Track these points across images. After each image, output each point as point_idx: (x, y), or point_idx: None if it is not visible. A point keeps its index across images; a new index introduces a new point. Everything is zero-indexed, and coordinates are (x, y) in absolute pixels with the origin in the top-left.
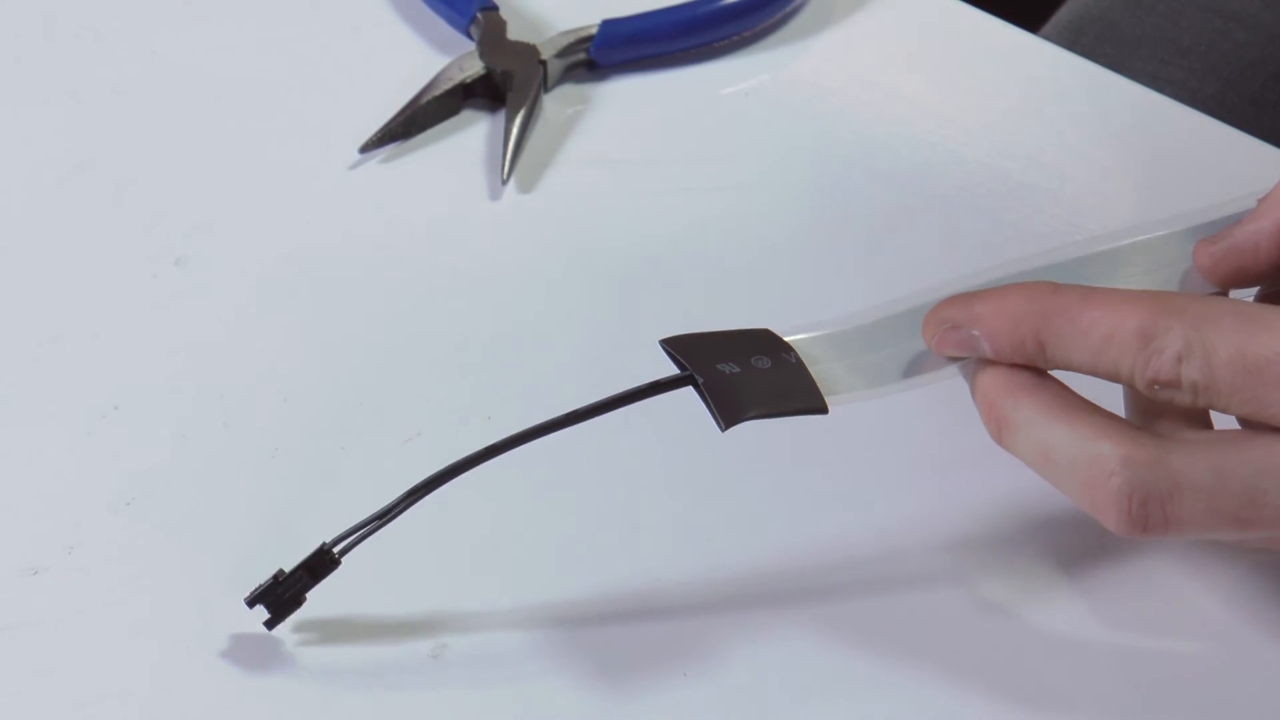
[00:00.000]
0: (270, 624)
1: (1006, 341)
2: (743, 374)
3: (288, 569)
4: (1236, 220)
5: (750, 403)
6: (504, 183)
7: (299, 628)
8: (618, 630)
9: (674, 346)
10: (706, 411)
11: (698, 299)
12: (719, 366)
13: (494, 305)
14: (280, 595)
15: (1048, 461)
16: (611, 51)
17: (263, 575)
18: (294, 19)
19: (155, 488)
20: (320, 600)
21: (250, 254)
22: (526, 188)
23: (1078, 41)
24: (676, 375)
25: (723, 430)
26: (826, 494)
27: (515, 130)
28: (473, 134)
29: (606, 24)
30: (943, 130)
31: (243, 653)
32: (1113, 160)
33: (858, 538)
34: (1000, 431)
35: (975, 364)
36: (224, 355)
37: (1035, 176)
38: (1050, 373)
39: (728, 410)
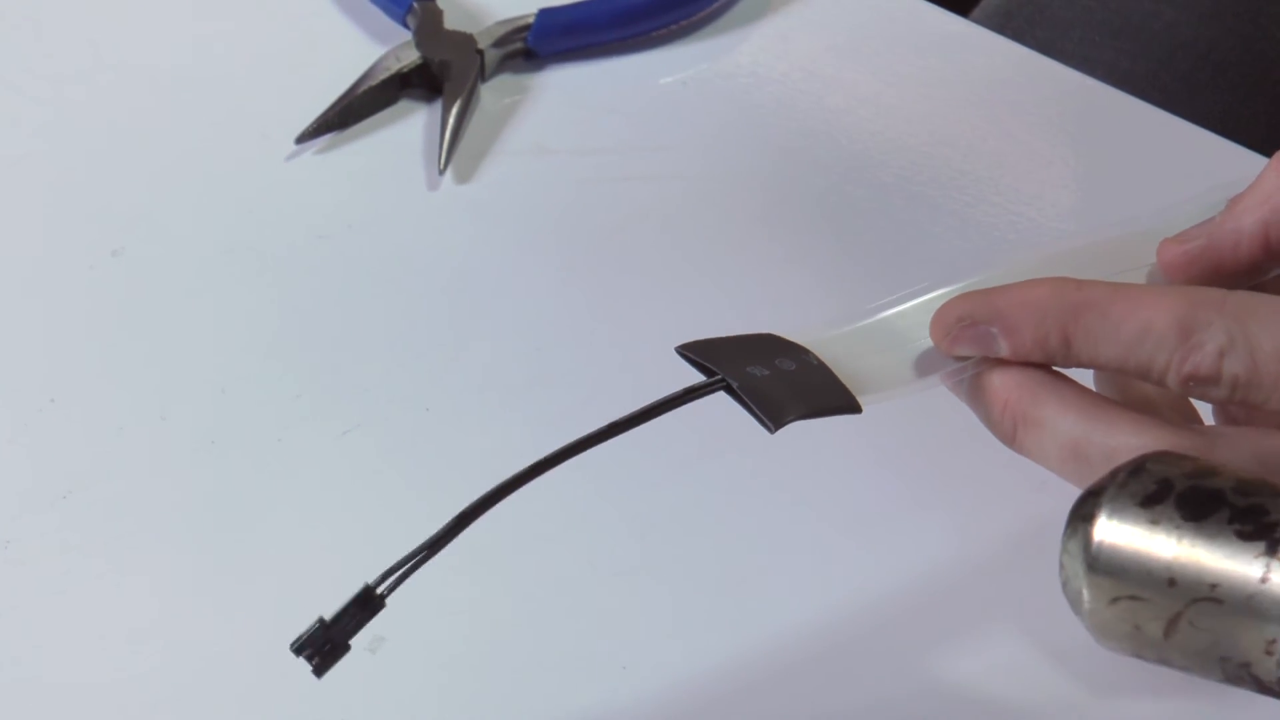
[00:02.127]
0: (319, 670)
1: (1029, 337)
2: (773, 376)
3: (328, 616)
4: (1203, 221)
5: (789, 405)
6: (441, 173)
7: (237, 624)
8: (558, 623)
9: (695, 352)
10: (748, 415)
11: (638, 289)
12: (749, 369)
13: (432, 296)
14: (330, 640)
15: (1078, 458)
16: (549, 41)
17: (201, 567)
18: (231, 10)
19: (92, 481)
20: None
21: (187, 245)
22: (464, 178)
23: (1008, 24)
24: (709, 380)
25: (772, 432)
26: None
27: (452, 120)
28: (410, 124)
29: (544, 13)
30: (881, 119)
31: (181, 643)
32: (1050, 146)
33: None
34: (1018, 430)
35: (983, 364)
36: (161, 347)
37: (974, 164)
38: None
39: (771, 412)
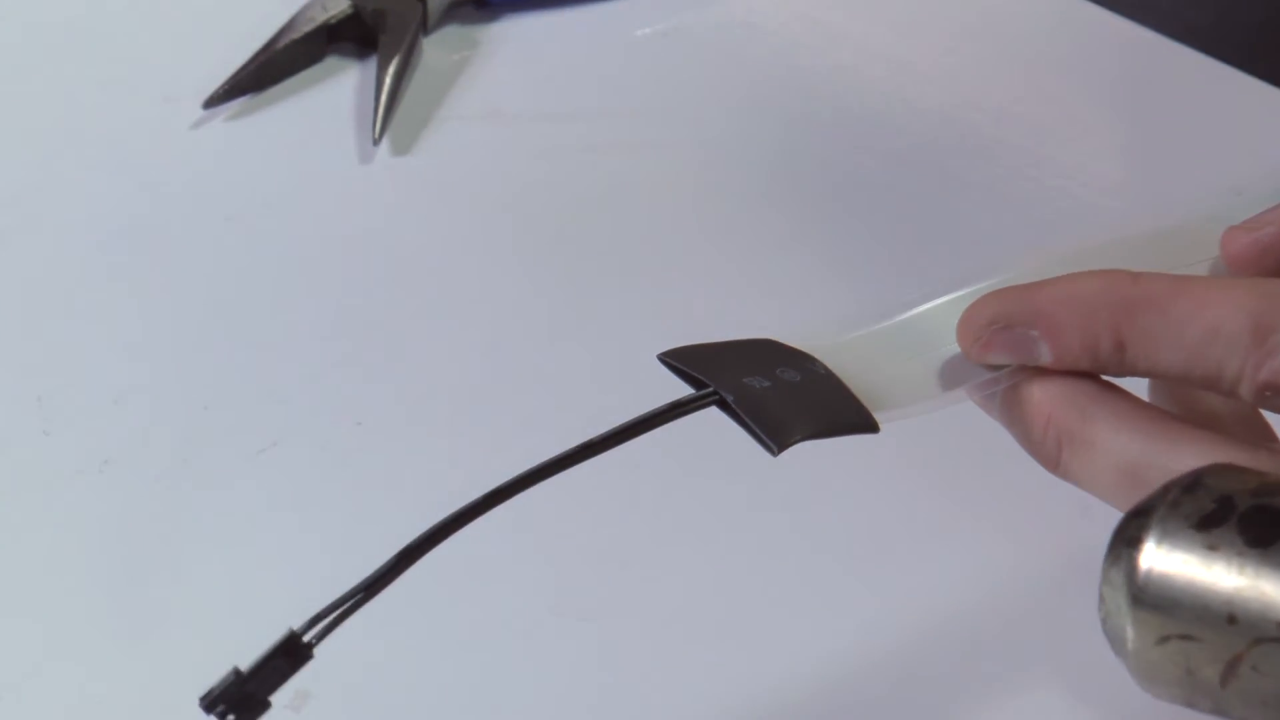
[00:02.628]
0: None
1: (1077, 340)
2: (774, 389)
3: (245, 666)
4: (1275, 205)
5: (795, 423)
6: (376, 142)
7: (135, 674)
8: (512, 675)
9: (681, 360)
10: (746, 434)
11: (610, 281)
12: (746, 381)
13: (364, 287)
14: (247, 694)
15: (1136, 483)
16: None
17: (93, 606)
18: None
19: None
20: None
21: (77, 227)
22: (403, 148)
23: None
24: (700, 394)
25: (775, 454)
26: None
27: (389, 80)
28: (339, 85)
29: None
30: (897, 77)
31: (66, 694)
32: (1096, 110)
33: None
34: (1063, 451)
35: (1019, 374)
36: (45, 349)
37: (1006, 131)
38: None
39: (774, 431)
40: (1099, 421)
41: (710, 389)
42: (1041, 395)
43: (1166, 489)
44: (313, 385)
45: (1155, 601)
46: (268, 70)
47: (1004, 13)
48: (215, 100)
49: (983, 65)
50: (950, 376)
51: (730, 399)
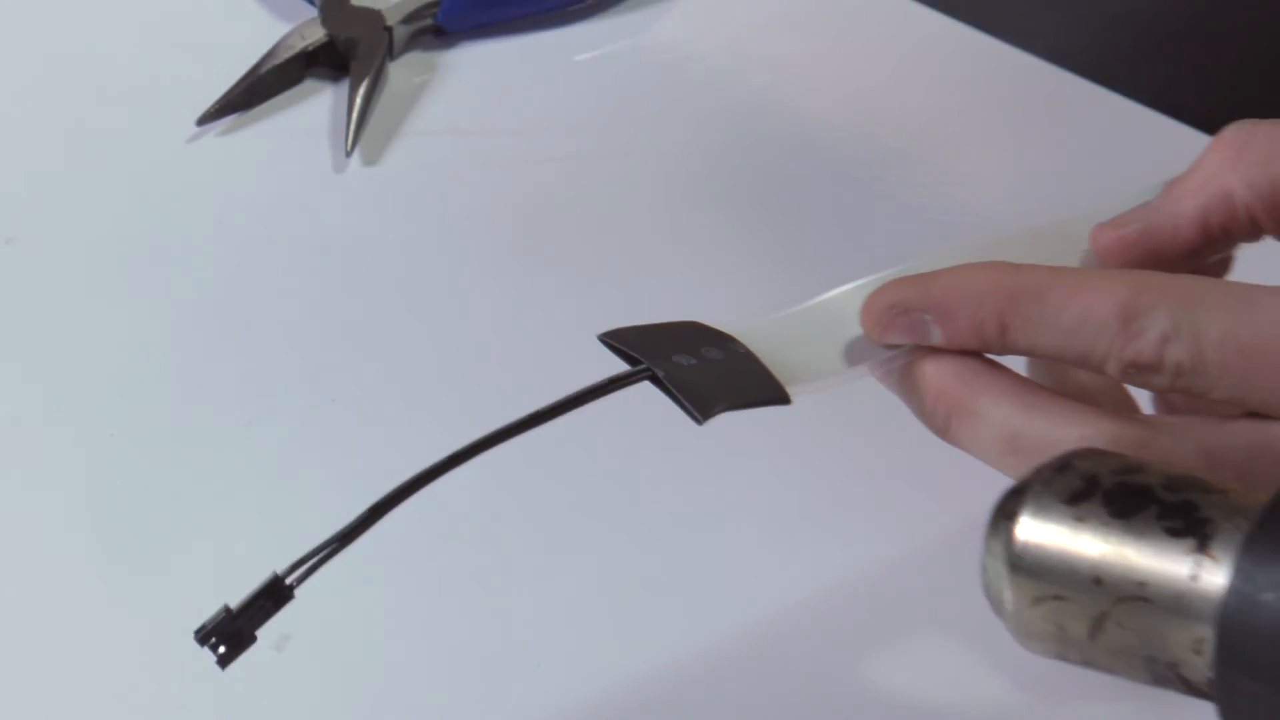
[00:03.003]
0: (224, 661)
1: (965, 324)
2: (699, 365)
3: (234, 605)
4: (1139, 205)
5: (718, 395)
6: (348, 155)
7: (140, 618)
8: (470, 622)
9: (619, 340)
10: (675, 406)
11: (556, 275)
12: (675, 358)
13: (338, 283)
14: (237, 630)
15: (1014, 450)
16: (460, 16)
17: (99, 561)
18: None
19: None
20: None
21: (84, 232)
22: (372, 160)
23: None
24: (635, 370)
25: (701, 423)
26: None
27: (359, 100)
28: (315, 104)
29: None
30: (809, 98)
31: (81, 640)
32: (985, 126)
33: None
34: (951, 421)
35: (914, 352)
36: (57, 337)
37: (905, 144)
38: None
39: (699, 402)
40: (983, 395)
41: (644, 366)
42: (933, 372)
43: (1040, 470)
44: (294, 367)
45: (1030, 568)
46: (253, 91)
47: (903, 40)
48: (207, 118)
49: (886, 88)
50: (854, 354)
51: (661, 374)
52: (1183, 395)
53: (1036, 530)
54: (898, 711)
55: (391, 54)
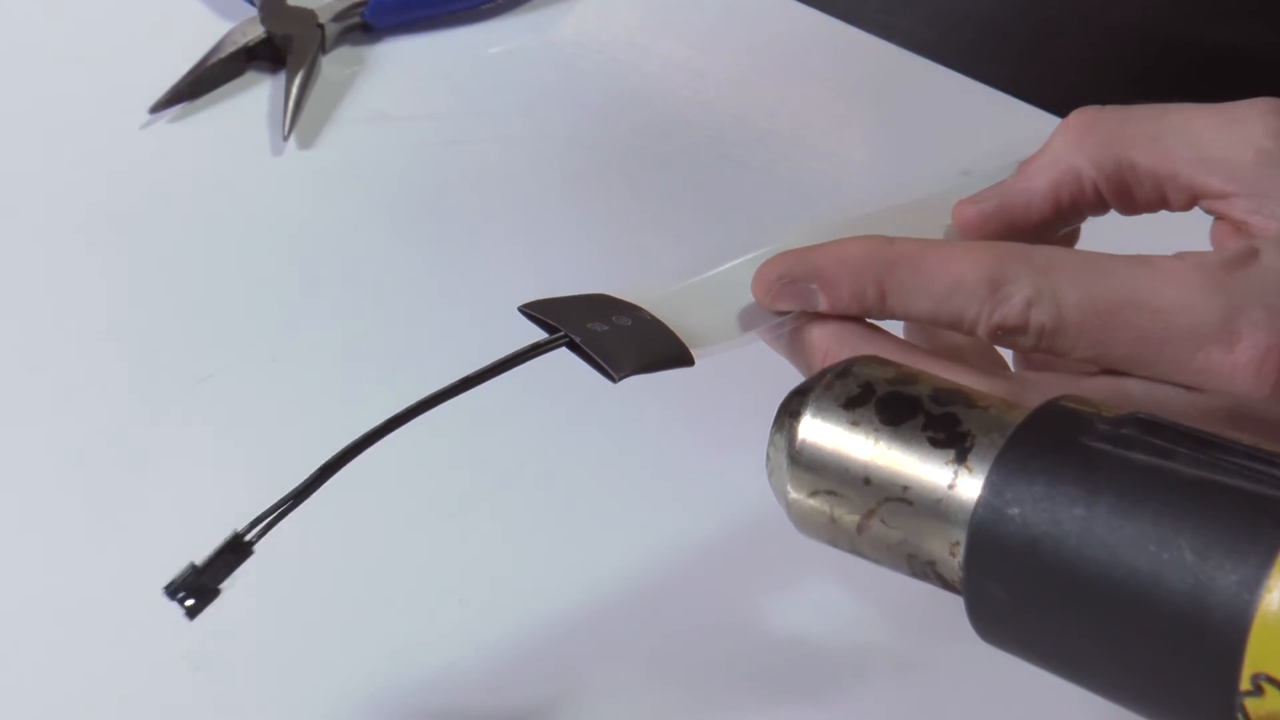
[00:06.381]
0: (192, 613)
1: (846, 292)
2: (612, 331)
3: (199, 561)
4: (996, 183)
5: (629, 357)
6: (285, 139)
7: (106, 573)
8: (397, 560)
9: (538, 310)
10: (591, 369)
11: (471, 247)
12: (589, 326)
13: (277, 254)
14: (202, 584)
15: None
16: (385, 15)
17: (55, 520)
18: None
19: None
20: None
21: (47, 208)
22: (307, 143)
23: None
24: (553, 336)
25: (616, 382)
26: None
27: (295, 90)
28: (256, 94)
29: None
30: (694, 85)
31: (46, 591)
32: (849, 108)
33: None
34: None
35: (802, 318)
36: (27, 307)
37: (778, 124)
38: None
39: (613, 364)
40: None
41: (562, 333)
42: (819, 335)
43: (823, 373)
44: (237, 331)
45: (808, 463)
46: (200, 82)
47: (777, 32)
48: (159, 106)
49: (762, 75)
50: (748, 320)
51: (578, 340)
52: (1045, 354)
53: (815, 430)
54: (780, 645)
55: (324, 48)
